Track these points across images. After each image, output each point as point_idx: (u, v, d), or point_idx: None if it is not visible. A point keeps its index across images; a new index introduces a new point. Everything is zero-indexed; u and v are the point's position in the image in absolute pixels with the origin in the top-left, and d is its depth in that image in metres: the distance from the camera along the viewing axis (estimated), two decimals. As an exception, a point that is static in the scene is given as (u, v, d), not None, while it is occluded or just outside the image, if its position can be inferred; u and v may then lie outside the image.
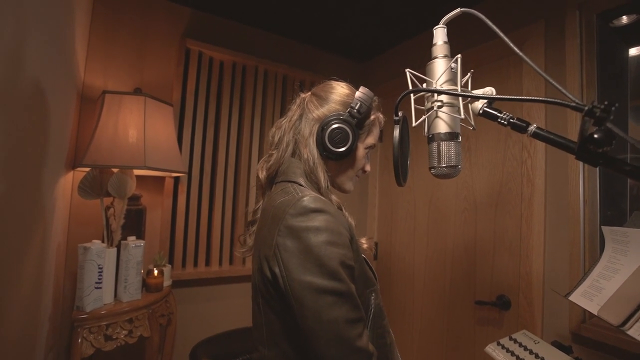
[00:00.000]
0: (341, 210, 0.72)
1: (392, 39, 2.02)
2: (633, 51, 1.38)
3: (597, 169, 1.24)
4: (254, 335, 0.70)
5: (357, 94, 0.73)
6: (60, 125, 1.16)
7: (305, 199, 0.61)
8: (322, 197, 0.66)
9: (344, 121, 0.71)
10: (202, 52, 1.78)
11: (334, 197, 0.72)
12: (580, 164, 1.21)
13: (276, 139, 0.77)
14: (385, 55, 2.19)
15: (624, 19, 1.31)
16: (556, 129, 1.27)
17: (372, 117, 0.77)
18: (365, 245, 0.74)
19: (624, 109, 1.33)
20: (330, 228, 0.59)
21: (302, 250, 0.57)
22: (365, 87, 0.76)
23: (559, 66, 1.29)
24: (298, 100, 0.79)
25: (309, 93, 0.79)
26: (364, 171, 0.81)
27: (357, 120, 0.72)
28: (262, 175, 0.77)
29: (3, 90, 0.65)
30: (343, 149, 0.70)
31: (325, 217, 0.60)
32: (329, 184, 0.72)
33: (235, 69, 1.89)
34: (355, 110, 0.71)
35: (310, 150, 0.71)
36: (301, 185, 0.69)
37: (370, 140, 0.78)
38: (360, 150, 0.76)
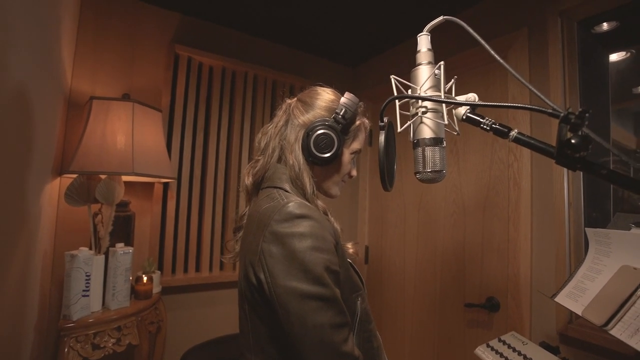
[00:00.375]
0: (327, 215, 0.72)
1: (381, 44, 2.04)
2: (614, 57, 1.42)
3: (581, 173, 1.27)
4: (241, 341, 0.70)
5: (342, 99, 0.74)
6: (46, 131, 1.14)
7: (290, 204, 0.61)
8: (307, 202, 0.66)
9: (329, 127, 0.71)
10: (191, 58, 1.78)
11: (319, 203, 0.73)
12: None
13: (262, 144, 0.77)
14: (375, 60, 2.21)
15: (605, 25, 1.35)
16: (541, 133, 1.30)
17: (358, 122, 0.78)
18: (351, 250, 0.75)
19: (605, 112, 1.37)
20: (315, 234, 0.59)
21: (286, 256, 0.57)
22: (354, 91, 0.77)
23: (543, 72, 1.32)
24: (284, 106, 0.79)
25: (295, 99, 0.80)
26: (350, 176, 0.81)
27: (342, 126, 0.72)
28: (249, 181, 0.77)
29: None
30: (328, 154, 0.71)
31: (310, 223, 0.60)
32: (314, 190, 0.72)
33: (225, 74, 1.89)
34: (340, 116, 0.72)
35: (296, 156, 0.71)
36: (287, 191, 0.69)
37: (356, 145, 0.79)
38: (346, 156, 0.77)
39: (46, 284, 1.30)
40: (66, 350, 1.11)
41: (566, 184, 1.24)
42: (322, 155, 0.71)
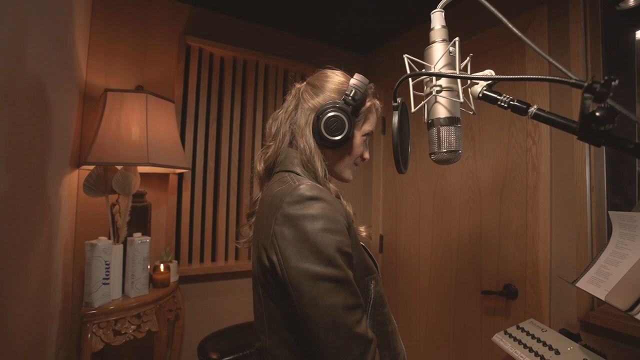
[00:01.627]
0: (339, 198, 0.71)
1: (394, 29, 1.99)
2: (640, 34, 1.35)
3: (604, 154, 1.22)
4: (255, 324, 0.71)
5: (352, 81, 0.73)
6: (63, 124, 1.17)
7: (301, 187, 0.61)
8: (319, 185, 0.66)
9: (339, 109, 0.70)
10: (202, 49, 1.78)
11: (331, 186, 0.72)
12: (586, 150, 1.19)
13: (273, 130, 0.77)
14: (388, 46, 2.17)
15: (631, 1, 1.27)
16: (561, 112, 1.25)
17: (368, 104, 0.76)
18: (364, 234, 0.74)
19: (631, 92, 1.30)
20: (327, 215, 0.59)
21: (298, 237, 0.57)
22: (368, 78, 0.75)
23: (564, 51, 1.26)
24: (293, 91, 0.78)
25: (304, 83, 0.79)
26: (363, 159, 0.80)
27: (353, 108, 0.71)
28: (260, 167, 0.77)
29: (4, 90, 0.66)
30: (339, 137, 0.70)
31: (322, 205, 0.60)
32: (326, 173, 0.72)
33: (236, 64, 1.89)
34: (350, 98, 0.71)
35: (307, 140, 0.71)
36: (298, 174, 0.69)
37: (367, 127, 0.77)
38: (358, 138, 0.76)
39: (68, 272, 1.34)
40: (89, 335, 1.15)
41: (588, 167, 1.19)
42: (333, 137, 0.70)
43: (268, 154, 0.76)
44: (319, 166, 0.70)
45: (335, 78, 0.76)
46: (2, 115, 0.66)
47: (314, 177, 0.70)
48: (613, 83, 0.39)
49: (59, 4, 1.01)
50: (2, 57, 0.65)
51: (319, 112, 0.70)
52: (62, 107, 1.14)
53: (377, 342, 0.64)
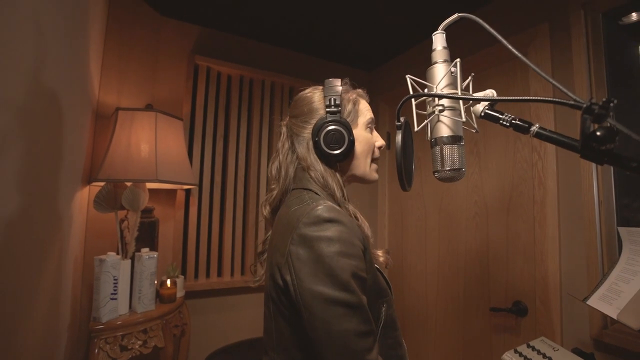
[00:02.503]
0: (357, 219, 0.70)
1: (397, 47, 2.03)
2: (645, 49, 1.35)
3: (612, 168, 1.21)
4: (264, 339, 0.70)
5: (325, 90, 0.74)
6: (76, 142, 1.20)
7: (319, 208, 0.61)
8: (337, 207, 0.65)
9: (330, 122, 0.71)
10: (210, 67, 1.83)
11: (350, 207, 0.71)
12: (593, 164, 1.19)
13: (274, 172, 0.78)
14: (391, 64, 2.21)
15: (634, 16, 1.28)
16: (567, 130, 1.25)
17: (352, 97, 0.77)
18: (381, 259, 0.73)
19: (637, 107, 1.30)
20: (344, 239, 0.59)
21: (314, 259, 0.57)
22: (371, 95, 0.76)
23: (567, 68, 1.27)
24: (282, 131, 0.80)
25: (287, 118, 0.80)
26: (379, 148, 0.80)
27: (339, 112, 0.72)
28: (267, 211, 0.78)
29: (23, 110, 0.69)
30: (345, 146, 0.70)
31: (339, 228, 0.59)
32: (344, 193, 0.72)
33: (243, 83, 1.93)
34: (333, 107, 0.71)
35: (315, 168, 0.71)
36: (317, 194, 0.69)
37: (363, 118, 0.77)
38: (362, 133, 0.76)
39: (77, 287, 1.36)
40: (96, 351, 1.15)
41: (595, 181, 1.18)
42: (340, 150, 0.70)
43: (273, 196, 0.77)
44: (336, 187, 0.70)
45: (312, 97, 0.77)
46: (21, 135, 0.69)
47: (332, 198, 0.70)
48: (611, 104, 0.40)
49: (77, 24, 1.06)
50: (22, 79, 0.69)
51: (314, 136, 0.71)
52: (76, 126, 1.18)
53: None
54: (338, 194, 0.70)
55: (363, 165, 0.76)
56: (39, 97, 0.78)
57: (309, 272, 0.57)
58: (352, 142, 0.71)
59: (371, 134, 0.79)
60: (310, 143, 0.72)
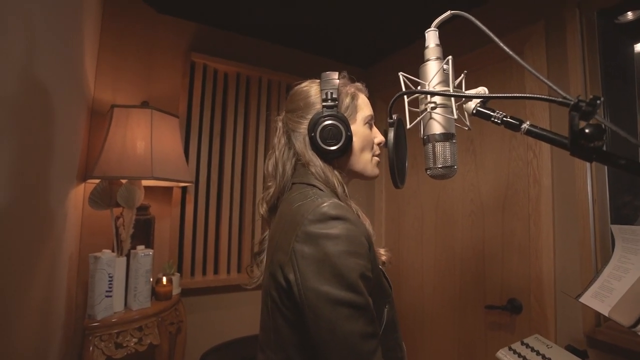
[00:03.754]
0: (358, 217, 0.69)
1: (394, 44, 2.03)
2: (639, 47, 1.36)
3: (606, 166, 1.21)
4: (261, 336, 0.69)
5: (322, 84, 0.72)
6: (71, 139, 1.20)
7: (325, 205, 0.59)
8: (342, 203, 0.63)
9: (326, 117, 0.69)
10: (206, 65, 1.82)
11: (353, 204, 0.70)
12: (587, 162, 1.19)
13: (271, 168, 0.76)
14: (388, 61, 2.20)
15: (629, 15, 1.29)
16: (563, 130, 1.25)
17: (351, 92, 0.75)
18: (383, 257, 0.71)
19: (632, 106, 1.31)
20: (351, 237, 0.57)
21: (319, 258, 0.55)
22: (369, 91, 0.74)
23: (562, 66, 1.28)
24: (278, 126, 0.78)
25: (284, 112, 0.78)
26: (379, 144, 0.78)
27: (337, 107, 0.70)
28: (263, 209, 0.76)
29: (15, 106, 0.69)
30: (341, 142, 0.68)
31: (346, 226, 0.57)
32: (345, 189, 0.70)
33: (240, 80, 1.93)
34: (329, 101, 0.69)
35: (314, 163, 0.70)
36: (321, 189, 0.67)
37: (362, 113, 0.75)
38: (360, 129, 0.74)
39: (72, 284, 1.35)
40: (91, 348, 1.15)
41: (589, 179, 1.19)
42: (338, 146, 0.68)
43: (270, 194, 0.75)
44: (336, 183, 0.68)
45: (309, 91, 0.75)
46: (12, 131, 0.68)
47: (334, 194, 0.68)
48: (598, 102, 0.40)
49: (71, 21, 1.06)
50: (14, 75, 0.68)
51: (310, 131, 0.69)
52: (71, 123, 1.17)
53: None
54: (339, 190, 0.68)
55: (362, 161, 0.75)
56: (31, 93, 0.78)
57: (315, 271, 0.55)
58: (349, 138, 0.69)
59: (370, 130, 0.77)
60: (307, 139, 0.71)
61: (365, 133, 0.74)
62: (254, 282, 0.77)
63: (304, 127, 0.72)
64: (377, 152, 0.78)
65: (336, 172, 0.71)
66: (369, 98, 0.81)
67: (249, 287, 0.77)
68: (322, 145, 0.69)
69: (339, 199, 0.67)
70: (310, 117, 0.71)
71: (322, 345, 0.54)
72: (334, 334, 0.53)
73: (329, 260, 0.55)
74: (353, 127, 0.73)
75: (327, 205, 0.59)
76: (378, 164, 0.78)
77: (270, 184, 0.76)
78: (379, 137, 0.78)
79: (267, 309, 0.66)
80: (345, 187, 0.71)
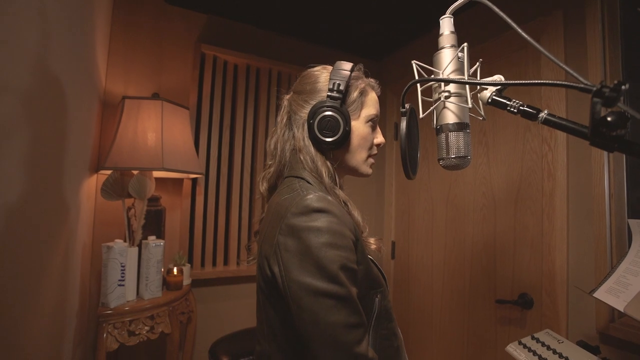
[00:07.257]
0: (347, 206, 0.69)
1: (408, 35, 1.99)
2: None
3: (624, 159, 1.18)
4: (257, 328, 0.70)
5: (332, 72, 0.70)
6: (83, 131, 1.21)
7: (308, 197, 0.59)
8: (327, 196, 0.63)
9: (328, 107, 0.67)
10: (216, 56, 1.82)
11: (340, 193, 0.69)
12: (605, 155, 1.16)
13: (272, 147, 0.76)
14: (401, 52, 2.17)
15: (652, 3, 1.24)
16: (579, 117, 1.22)
17: (361, 86, 0.73)
18: (373, 246, 0.71)
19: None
20: (333, 229, 0.57)
21: (302, 250, 0.56)
22: (381, 83, 0.73)
23: (581, 56, 1.23)
24: (283, 103, 0.77)
25: (292, 92, 0.77)
26: (378, 145, 0.76)
27: (342, 100, 0.68)
28: (263, 187, 0.76)
29: (29, 97, 0.69)
30: (338, 135, 0.67)
31: (328, 218, 0.58)
32: (335, 178, 0.70)
33: (249, 72, 1.92)
34: (335, 92, 0.68)
35: (307, 150, 0.69)
36: (309, 182, 0.67)
37: (367, 111, 0.73)
38: (361, 127, 0.72)
39: (86, 273, 1.38)
40: (105, 335, 1.18)
41: (607, 173, 1.15)
42: (333, 138, 0.67)
43: (270, 173, 0.75)
44: (324, 172, 0.68)
45: (318, 77, 0.73)
46: (27, 122, 0.69)
47: (321, 184, 0.68)
48: (623, 87, 0.38)
49: (83, 13, 1.06)
50: (27, 66, 0.69)
51: (310, 118, 0.68)
52: (83, 114, 1.18)
53: (382, 356, 0.63)
54: (326, 178, 0.67)
55: (357, 159, 0.73)
56: (44, 84, 0.78)
57: (297, 264, 0.56)
58: (346, 133, 0.68)
59: (372, 129, 0.75)
60: (306, 125, 0.70)
61: (365, 131, 0.73)
62: (250, 259, 0.79)
63: (305, 111, 0.71)
64: (375, 152, 0.77)
65: (328, 163, 0.70)
66: (379, 96, 0.79)
67: (247, 264, 0.80)
68: (318, 135, 0.68)
69: (326, 188, 0.67)
70: (313, 103, 0.71)
71: (306, 336, 0.55)
72: (316, 325, 0.54)
73: (311, 252, 0.55)
74: (354, 123, 0.71)
75: (311, 197, 0.59)
76: (372, 165, 0.77)
77: (270, 162, 0.76)
78: (379, 138, 0.76)
79: (260, 301, 0.67)
80: (337, 178, 0.71)
